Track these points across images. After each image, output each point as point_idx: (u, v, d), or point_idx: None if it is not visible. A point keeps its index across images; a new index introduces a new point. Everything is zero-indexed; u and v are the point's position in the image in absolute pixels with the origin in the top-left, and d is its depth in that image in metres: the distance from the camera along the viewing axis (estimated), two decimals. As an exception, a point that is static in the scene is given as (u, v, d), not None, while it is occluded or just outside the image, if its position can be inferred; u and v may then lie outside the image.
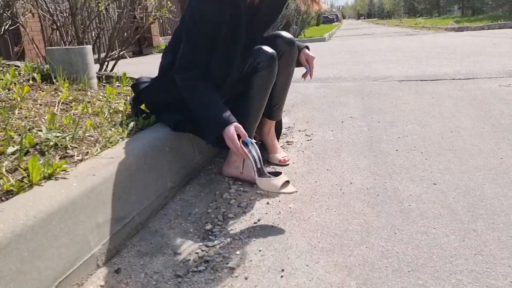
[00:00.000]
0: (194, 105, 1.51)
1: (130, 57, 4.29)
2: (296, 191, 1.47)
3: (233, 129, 1.40)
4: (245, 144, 1.41)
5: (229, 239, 1.26)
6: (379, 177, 1.67)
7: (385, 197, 1.48)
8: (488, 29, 12.70)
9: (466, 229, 1.24)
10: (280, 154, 1.92)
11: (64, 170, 1.16)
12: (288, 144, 2.17)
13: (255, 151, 1.41)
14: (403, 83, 3.84)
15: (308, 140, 2.24)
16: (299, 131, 2.43)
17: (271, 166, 1.85)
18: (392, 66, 4.99)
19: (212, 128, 1.45)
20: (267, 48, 1.64)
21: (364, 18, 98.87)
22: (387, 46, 8.46)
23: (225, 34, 1.50)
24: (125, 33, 3.72)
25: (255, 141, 1.63)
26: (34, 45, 4.12)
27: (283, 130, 2.44)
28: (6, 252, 0.82)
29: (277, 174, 1.43)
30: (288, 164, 1.88)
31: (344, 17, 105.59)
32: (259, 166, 1.41)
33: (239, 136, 1.41)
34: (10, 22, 3.95)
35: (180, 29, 1.64)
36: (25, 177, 1.09)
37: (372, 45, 9.05)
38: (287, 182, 1.43)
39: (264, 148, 1.96)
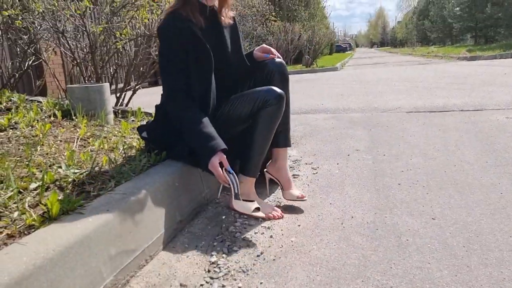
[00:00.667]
0: (186, 136, 1.72)
1: (146, 87, 4.49)
2: (264, 216, 1.71)
3: (217, 159, 1.61)
4: (228, 171, 1.63)
5: (232, 271, 1.33)
6: (380, 211, 1.73)
7: (384, 232, 1.54)
8: (500, 58, 12.75)
9: (459, 264, 1.29)
10: (296, 190, 1.90)
11: (81, 206, 1.26)
12: (294, 178, 2.25)
13: (234, 178, 1.64)
14: (411, 115, 3.91)
15: (314, 174, 2.31)
16: (306, 164, 2.51)
17: (285, 203, 1.89)
18: (401, 97, 5.07)
19: (202, 158, 1.65)
20: (276, 88, 1.79)
21: (378, 47, 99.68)
22: (398, 75, 8.57)
23: (194, 58, 1.72)
24: (141, 68, 3.90)
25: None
26: (55, 79, 4.33)
27: (290, 163, 2.53)
28: (28, 283, 0.91)
29: (250, 200, 1.72)
30: (306, 199, 1.87)
31: (357, 46, 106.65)
32: (236, 191, 1.66)
33: (222, 164, 1.63)
34: (33, 58, 4.18)
35: None
36: (45, 212, 1.19)
37: (384, 74, 9.17)
38: (258, 208, 1.72)
39: (280, 186, 1.94)
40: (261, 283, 1.26)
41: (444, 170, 2.21)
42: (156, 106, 1.92)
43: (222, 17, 1.87)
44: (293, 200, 1.88)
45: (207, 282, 1.27)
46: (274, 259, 1.39)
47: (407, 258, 1.35)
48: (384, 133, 3.19)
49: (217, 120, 1.77)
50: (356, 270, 1.29)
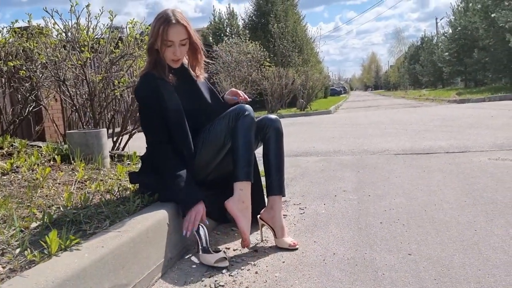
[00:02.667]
0: (169, 184, 1.88)
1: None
2: (227, 266, 1.70)
3: (194, 213, 1.79)
4: (199, 225, 1.80)
5: (218, 305, 1.42)
6: (360, 248, 1.83)
7: (363, 267, 1.64)
8: (489, 101, 13.10)
9: (429, 296, 1.38)
10: (288, 239, 1.92)
11: (78, 243, 1.36)
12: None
13: (203, 233, 1.79)
14: (398, 157, 4.05)
15: (301, 214, 2.42)
16: (294, 204, 2.62)
17: (279, 253, 1.85)
18: (390, 140, 5.23)
19: (182, 207, 1.84)
20: (242, 104, 1.99)
21: (372, 90, 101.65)
22: (389, 118, 8.81)
23: (169, 111, 1.91)
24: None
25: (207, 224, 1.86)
26: (54, 124, 4.49)
27: (279, 204, 2.63)
28: (28, 312, 1.01)
29: (218, 251, 1.77)
30: (297, 248, 1.88)
31: (352, 89, 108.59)
32: (204, 245, 1.76)
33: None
34: (34, 105, 4.35)
35: None
36: (45, 248, 1.29)
37: (376, 118, 9.41)
38: (225, 258, 1.72)
39: (273, 233, 1.96)
40: (244, 315, 1.34)
41: (424, 209, 2.32)
42: (141, 158, 2.10)
43: (197, 74, 2.09)
44: (286, 249, 1.88)
45: (194, 315, 1.35)
46: (258, 293, 1.48)
47: (381, 291, 1.44)
48: (371, 175, 3.31)
49: (199, 151, 1.95)
50: (334, 302, 1.38)
